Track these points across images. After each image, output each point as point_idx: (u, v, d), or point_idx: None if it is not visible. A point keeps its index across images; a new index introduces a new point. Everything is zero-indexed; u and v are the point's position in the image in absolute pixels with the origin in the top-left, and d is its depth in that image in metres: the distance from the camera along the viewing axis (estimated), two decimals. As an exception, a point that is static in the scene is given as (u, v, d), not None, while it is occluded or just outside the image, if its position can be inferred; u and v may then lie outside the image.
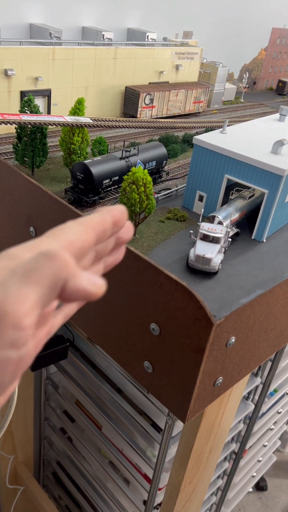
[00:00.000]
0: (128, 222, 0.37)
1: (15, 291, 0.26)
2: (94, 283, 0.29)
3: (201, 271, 0.58)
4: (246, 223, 0.71)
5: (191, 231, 0.60)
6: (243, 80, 1.55)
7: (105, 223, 0.34)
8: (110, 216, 0.34)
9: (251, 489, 1.74)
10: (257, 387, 1.18)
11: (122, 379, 1.14)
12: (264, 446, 1.54)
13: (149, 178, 0.61)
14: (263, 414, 1.36)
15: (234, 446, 1.31)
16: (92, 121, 0.71)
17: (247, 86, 1.60)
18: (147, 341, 0.58)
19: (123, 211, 0.35)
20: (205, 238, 0.58)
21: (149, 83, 1.16)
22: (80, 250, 0.31)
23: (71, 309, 0.33)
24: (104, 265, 0.36)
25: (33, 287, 0.27)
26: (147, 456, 1.16)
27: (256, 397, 1.21)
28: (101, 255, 0.36)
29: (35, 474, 1.64)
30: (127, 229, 0.37)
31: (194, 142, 0.70)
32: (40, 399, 1.45)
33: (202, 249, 0.57)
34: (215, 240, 0.58)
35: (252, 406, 1.22)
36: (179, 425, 1.05)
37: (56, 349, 1.21)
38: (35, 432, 1.57)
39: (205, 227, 0.59)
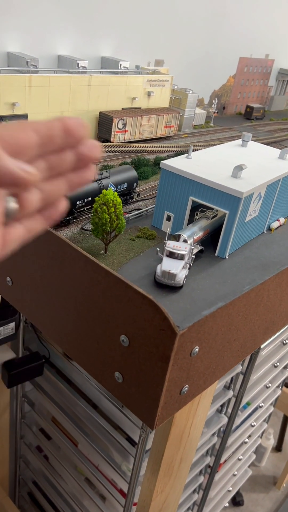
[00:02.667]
0: (94, 141, 0.35)
1: None
2: (22, 168, 0.30)
3: (167, 286, 0.62)
4: (210, 241, 0.76)
5: (158, 249, 0.65)
6: (213, 106, 1.63)
7: (52, 127, 0.33)
8: (60, 122, 0.33)
9: (227, 504, 1.76)
10: (229, 400, 1.22)
11: (98, 394, 1.16)
12: (239, 460, 1.56)
13: (119, 200, 0.65)
14: (237, 427, 1.39)
15: (209, 460, 1.34)
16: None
17: (216, 111, 1.69)
18: (118, 352, 0.62)
19: (78, 122, 0.34)
20: (171, 255, 0.63)
21: (122, 108, 1.22)
22: (14, 147, 0.30)
23: (32, 223, 0.34)
24: (69, 183, 0.35)
25: None
26: (122, 470, 1.18)
27: (229, 410, 1.25)
28: (59, 169, 0.34)
29: (10, 494, 1.62)
30: (91, 147, 0.35)
31: (161, 166, 0.76)
32: (16, 417, 1.45)
33: (168, 265, 0.61)
34: (179, 257, 0.63)
35: (225, 419, 1.25)
36: (152, 438, 1.07)
37: (31, 366, 1.22)
38: (10, 451, 1.56)
39: (171, 245, 0.64)
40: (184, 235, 0.67)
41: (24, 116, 0.99)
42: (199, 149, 0.85)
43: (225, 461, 1.43)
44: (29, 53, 1.10)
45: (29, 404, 1.38)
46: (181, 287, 0.62)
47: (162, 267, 0.61)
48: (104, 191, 0.64)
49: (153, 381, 0.58)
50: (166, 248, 0.64)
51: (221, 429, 1.26)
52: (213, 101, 1.66)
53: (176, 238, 0.68)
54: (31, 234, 0.35)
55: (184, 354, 0.58)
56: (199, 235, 0.70)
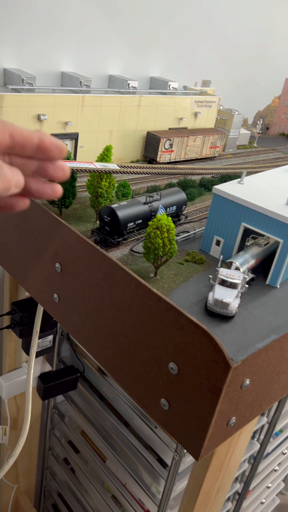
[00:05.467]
0: (64, 164, 0.40)
1: None
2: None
3: (218, 314, 0.61)
4: (261, 268, 0.75)
5: (210, 276, 0.64)
6: (257, 126, 1.63)
7: (28, 139, 0.36)
8: (38, 137, 0.37)
9: (254, 532, 1.71)
10: (263, 426, 1.19)
11: (130, 412, 1.16)
12: (268, 487, 1.52)
13: (172, 225, 0.65)
14: (268, 454, 1.35)
15: (238, 486, 1.30)
16: (119, 168, 0.76)
17: (260, 132, 1.68)
18: (165, 379, 0.61)
19: (55, 142, 0.37)
20: (224, 283, 0.62)
21: (169, 128, 1.23)
22: None
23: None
24: (25, 187, 0.38)
25: None
26: (152, 492, 1.16)
27: (262, 437, 1.22)
28: (20, 169, 0.36)
29: (35, 505, 1.63)
30: (59, 168, 0.39)
31: (214, 191, 0.75)
32: (46, 428, 1.46)
33: (220, 293, 0.61)
34: (232, 286, 0.62)
35: (257, 446, 1.22)
36: (185, 462, 1.06)
37: (67, 379, 1.23)
38: (38, 462, 1.57)
39: (224, 273, 0.63)
40: (237, 262, 0.66)
41: (75, 135, 1.01)
42: (244, 170, 0.84)
43: (254, 488, 1.40)
44: (82, 72, 1.13)
45: (59, 416, 1.39)
46: (233, 316, 0.61)
47: (215, 295, 0.61)
48: (158, 215, 0.64)
49: (202, 412, 0.57)
50: (218, 275, 0.63)
51: (252, 455, 1.23)
52: (258, 121, 1.65)
53: (228, 265, 0.67)
54: None
55: (235, 386, 0.56)
56: (252, 263, 0.69)
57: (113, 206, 0.74)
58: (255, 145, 1.61)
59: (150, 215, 0.78)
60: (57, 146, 0.37)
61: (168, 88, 1.25)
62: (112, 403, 1.19)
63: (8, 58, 0.99)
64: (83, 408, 1.27)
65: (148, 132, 1.16)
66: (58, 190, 0.40)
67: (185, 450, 0.97)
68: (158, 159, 1.14)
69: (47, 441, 1.45)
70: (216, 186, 0.75)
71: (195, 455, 0.61)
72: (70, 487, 1.42)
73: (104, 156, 0.81)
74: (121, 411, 1.17)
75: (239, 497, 1.33)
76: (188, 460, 1.03)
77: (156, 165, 0.96)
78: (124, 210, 0.74)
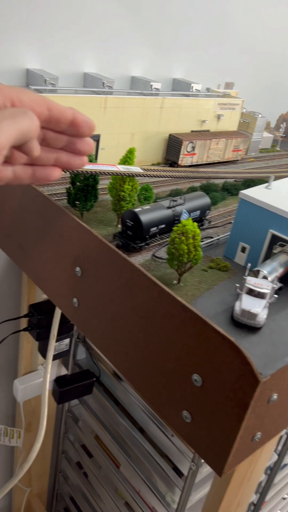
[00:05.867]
0: (90, 140, 0.44)
1: (5, 127, 0.34)
2: (37, 148, 0.38)
3: (245, 325, 0.59)
4: (285, 276, 0.72)
5: (237, 284, 0.62)
6: (280, 129, 1.59)
7: (64, 114, 0.40)
8: (71, 113, 0.41)
9: None
10: (280, 437, 1.17)
11: (145, 419, 1.14)
12: (284, 499, 1.49)
13: (198, 231, 0.63)
14: (285, 465, 1.32)
15: (254, 497, 1.28)
16: (142, 171, 0.75)
17: (283, 135, 1.64)
18: (188, 390, 0.59)
19: (87, 121, 0.42)
20: (251, 292, 0.60)
21: (191, 131, 1.21)
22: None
23: (20, 172, 0.42)
24: (56, 158, 0.43)
25: (15, 130, 0.35)
26: (166, 501, 1.14)
27: (280, 448, 1.19)
28: (51, 143, 0.42)
29: (47, 508, 1.62)
30: (86, 143, 0.43)
31: (240, 196, 0.73)
32: (60, 431, 1.45)
33: (248, 303, 0.58)
34: (260, 295, 0.60)
35: (275, 457, 1.20)
36: (202, 472, 1.03)
37: (83, 383, 1.21)
38: (51, 465, 1.56)
39: (252, 282, 0.60)
40: (264, 271, 0.64)
41: (97, 137, 1.00)
42: (272, 175, 0.81)
43: (270, 499, 1.37)
44: (104, 73, 1.11)
45: (73, 419, 1.38)
46: (260, 327, 0.59)
47: (242, 305, 0.58)
48: (183, 221, 0.62)
49: (227, 427, 0.55)
50: (246, 284, 0.61)
51: (269, 466, 1.20)
52: (281, 125, 1.62)
53: (255, 273, 0.64)
54: (17, 181, 0.42)
55: (262, 401, 0.54)
56: (280, 271, 0.66)
57: (136, 210, 0.72)
58: (278, 148, 1.57)
59: (173, 220, 0.76)
60: (88, 123, 0.42)
61: (191, 90, 1.23)
62: (127, 408, 1.18)
63: (31, 59, 0.98)
64: (98, 412, 1.26)
65: (170, 135, 1.14)
66: (86, 161, 0.45)
67: (202, 460, 0.94)
68: (179, 162, 1.12)
69: (61, 445, 1.44)
70: (242, 191, 0.73)
71: (218, 471, 0.58)
72: (83, 491, 1.41)
73: (127, 158, 0.79)
74: (136, 417, 1.15)
75: (254, 508, 1.30)
76: (205, 470, 1.01)
77: (179, 169, 0.94)
78: (147, 215, 0.72)
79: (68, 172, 0.71)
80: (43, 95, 0.89)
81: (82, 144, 0.43)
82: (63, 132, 0.42)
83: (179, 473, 1.06)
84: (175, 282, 0.68)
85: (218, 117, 1.25)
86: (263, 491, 1.26)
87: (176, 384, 0.61)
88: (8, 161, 0.40)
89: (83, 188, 0.76)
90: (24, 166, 0.43)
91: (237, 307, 0.59)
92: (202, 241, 0.79)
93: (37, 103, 0.39)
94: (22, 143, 0.37)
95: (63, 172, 0.48)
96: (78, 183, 0.76)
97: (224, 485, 0.74)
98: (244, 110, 1.41)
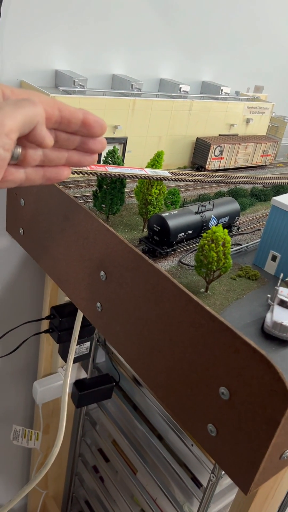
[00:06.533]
0: (103, 139, 0.44)
1: (9, 111, 0.34)
2: (50, 137, 0.39)
3: (277, 338, 0.56)
4: None
5: (269, 295, 0.59)
6: (309, 135, 1.55)
7: (74, 114, 0.41)
8: (82, 114, 0.41)
9: None
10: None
11: (164, 426, 1.11)
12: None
13: (229, 238, 0.61)
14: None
15: (273, 513, 1.23)
16: (170, 175, 0.73)
17: (313, 140, 1.60)
18: (214, 404, 0.57)
19: (98, 121, 0.42)
20: (283, 304, 0.57)
21: (219, 135, 1.19)
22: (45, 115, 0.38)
23: (31, 174, 0.43)
24: (69, 158, 0.44)
25: (20, 113, 0.35)
26: (184, 511, 1.12)
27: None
28: (63, 145, 0.43)
29: (62, 511, 1.61)
30: (99, 142, 0.43)
31: (272, 203, 0.71)
32: (77, 434, 1.44)
33: (280, 315, 0.56)
34: (293, 308, 0.57)
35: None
36: (222, 484, 1.00)
37: (102, 388, 1.20)
38: (67, 468, 1.55)
39: (284, 293, 0.58)
40: (297, 282, 0.61)
41: (124, 139, 0.99)
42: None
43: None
44: (133, 75, 1.10)
45: (91, 423, 1.37)
46: (292, 341, 0.56)
47: (273, 317, 0.56)
48: (213, 227, 0.60)
49: (255, 444, 0.53)
50: (278, 295, 0.58)
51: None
52: (310, 130, 1.58)
53: (287, 284, 0.62)
54: (29, 182, 0.42)
55: (293, 419, 0.51)
56: (313, 283, 0.64)
57: (163, 215, 0.70)
58: (307, 154, 1.53)
59: (201, 226, 0.74)
60: (99, 123, 0.42)
61: (220, 93, 1.20)
62: (146, 414, 1.16)
63: (60, 60, 0.98)
64: (116, 417, 1.24)
65: (198, 138, 1.12)
66: (96, 158, 0.45)
67: (222, 472, 0.92)
68: (207, 166, 1.10)
69: (78, 447, 1.43)
70: (275, 198, 0.70)
71: (244, 489, 0.56)
72: (98, 495, 1.39)
73: (155, 162, 0.78)
74: (155, 423, 1.14)
75: (275, 525, 1.26)
76: (225, 482, 0.98)
77: (208, 173, 0.92)
78: (175, 220, 0.70)
79: (95, 175, 0.70)
80: (73, 96, 0.89)
81: (95, 144, 0.43)
82: (75, 133, 0.42)
83: (197, 483, 1.04)
84: (202, 290, 0.66)
85: (247, 121, 1.22)
86: (281, 506, 1.22)
87: (202, 396, 0.59)
88: (20, 164, 0.41)
89: (110, 191, 0.74)
90: (35, 168, 0.43)
91: (268, 319, 0.56)
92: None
93: (47, 104, 0.39)
94: (30, 128, 0.37)
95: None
96: (105, 186, 0.75)
97: (248, 503, 0.71)
98: (274, 115, 1.38)
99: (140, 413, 1.16)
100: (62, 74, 0.96)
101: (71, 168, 0.46)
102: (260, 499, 0.72)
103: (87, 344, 1.16)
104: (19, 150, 0.40)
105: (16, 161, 0.40)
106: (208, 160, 1.09)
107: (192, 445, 1.02)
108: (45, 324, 1.14)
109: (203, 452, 0.96)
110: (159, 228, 0.69)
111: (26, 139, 0.38)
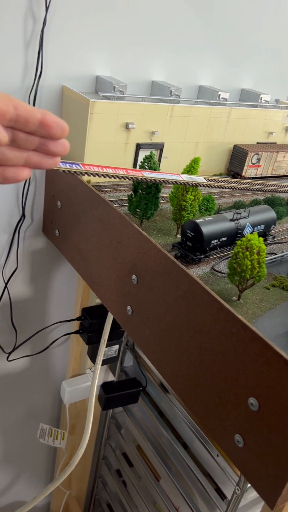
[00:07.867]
0: (65, 141, 0.43)
1: None
2: (3, 133, 0.37)
3: (310, 351, 0.55)
4: None
5: (303, 307, 0.58)
6: None
7: (32, 114, 0.39)
8: (41, 114, 0.40)
9: None
10: None
11: (190, 434, 1.10)
12: None
13: (264, 247, 0.60)
14: None
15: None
16: (206, 181, 0.73)
17: None
18: (243, 414, 0.56)
19: (57, 122, 0.40)
20: None
21: (257, 142, 1.17)
22: None
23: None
24: (27, 158, 0.42)
25: None
26: (207, 522, 1.09)
27: None
28: (21, 144, 0.41)
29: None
30: (60, 145, 0.42)
31: (310, 212, 0.69)
32: (102, 437, 1.45)
33: (314, 328, 0.54)
34: None
35: None
36: (247, 497, 0.98)
37: (129, 392, 1.20)
38: (91, 469, 1.56)
39: None
40: None
41: (161, 145, 0.99)
42: None
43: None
44: (172, 82, 1.11)
45: (116, 426, 1.37)
46: None
47: (307, 329, 0.55)
48: (248, 235, 0.59)
49: (284, 457, 0.51)
50: (312, 307, 0.57)
51: None
52: None
53: None
54: None
55: None
56: None
57: (197, 221, 0.70)
58: None
59: (236, 233, 0.74)
60: (59, 124, 0.40)
61: (259, 100, 1.19)
62: (171, 421, 1.15)
63: (101, 66, 1.00)
64: (141, 422, 1.24)
65: (235, 145, 1.11)
66: (59, 161, 0.43)
67: (248, 485, 0.90)
68: (243, 173, 1.09)
69: (102, 450, 1.44)
70: (312, 207, 0.69)
71: (270, 503, 0.55)
72: (120, 499, 1.39)
73: (191, 168, 0.78)
74: (180, 431, 1.13)
75: None
76: (250, 496, 0.96)
77: (245, 180, 0.91)
78: (209, 226, 0.70)
79: (131, 180, 0.71)
80: (112, 101, 0.90)
81: (56, 146, 0.42)
82: (33, 133, 0.41)
83: (222, 495, 1.02)
84: (234, 298, 0.65)
85: (287, 129, 1.21)
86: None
87: (230, 406, 0.58)
88: None
89: (145, 196, 0.75)
90: None
91: (302, 330, 0.55)
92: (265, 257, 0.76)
93: (1, 101, 0.38)
94: None
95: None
96: (140, 191, 0.76)
97: (273, 517, 0.70)
98: (314, 123, 1.35)
99: (165, 419, 1.15)
100: (103, 80, 0.97)
101: (31, 169, 0.45)
102: (286, 515, 0.70)
103: (116, 347, 1.17)
104: None
105: None
106: (245, 167, 1.08)
107: (217, 455, 1.00)
108: (75, 325, 1.15)
109: (229, 463, 0.95)
110: (192, 234, 0.69)
111: None
